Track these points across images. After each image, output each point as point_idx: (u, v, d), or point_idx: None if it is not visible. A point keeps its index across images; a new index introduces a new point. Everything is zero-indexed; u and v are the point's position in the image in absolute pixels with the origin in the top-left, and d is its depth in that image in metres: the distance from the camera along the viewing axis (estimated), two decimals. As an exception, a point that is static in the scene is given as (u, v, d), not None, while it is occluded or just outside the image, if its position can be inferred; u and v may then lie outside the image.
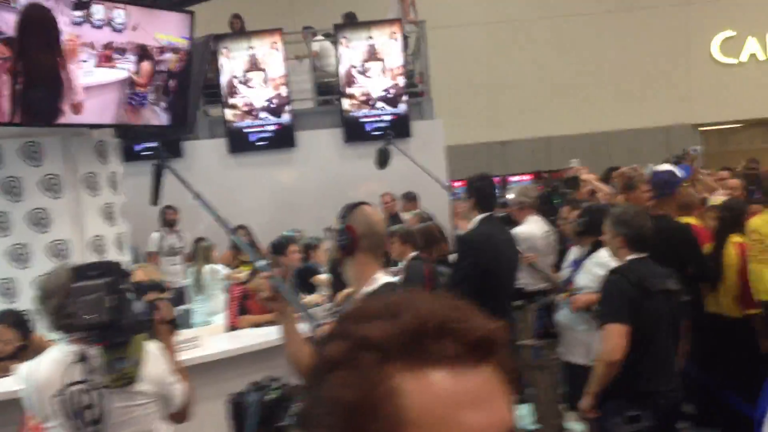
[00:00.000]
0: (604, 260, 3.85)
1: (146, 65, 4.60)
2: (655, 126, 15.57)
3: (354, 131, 9.50)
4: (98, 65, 4.36)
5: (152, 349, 2.51)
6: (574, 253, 4.25)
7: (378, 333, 0.66)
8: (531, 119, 15.54)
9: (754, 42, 15.57)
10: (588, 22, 15.30)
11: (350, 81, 9.48)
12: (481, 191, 3.87)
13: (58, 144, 4.92)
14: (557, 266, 4.72)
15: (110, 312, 2.28)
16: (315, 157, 9.65)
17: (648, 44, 15.40)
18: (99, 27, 4.19)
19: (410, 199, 8.39)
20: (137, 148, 9.09)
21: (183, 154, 9.68)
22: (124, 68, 4.58)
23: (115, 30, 4.28)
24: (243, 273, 6.08)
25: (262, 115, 9.51)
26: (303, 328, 2.67)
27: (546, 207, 4.81)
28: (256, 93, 9.44)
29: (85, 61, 4.37)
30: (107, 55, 4.32)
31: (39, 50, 4.35)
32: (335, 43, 10.03)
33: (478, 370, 0.66)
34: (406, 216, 6.93)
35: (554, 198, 4.84)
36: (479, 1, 15.09)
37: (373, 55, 9.44)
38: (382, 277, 2.26)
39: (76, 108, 4.48)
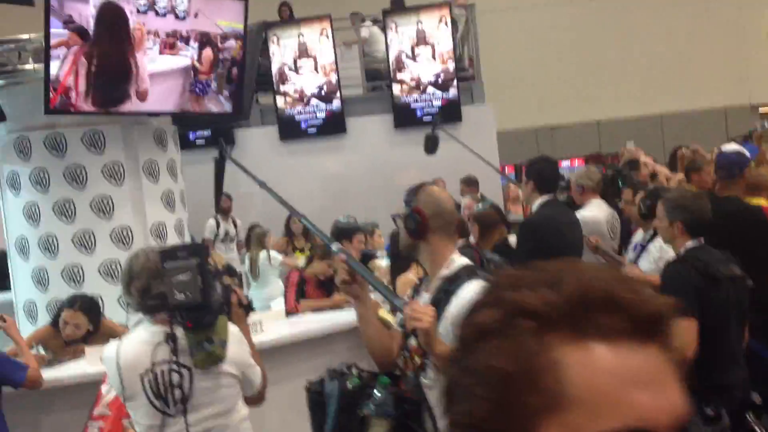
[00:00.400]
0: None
1: (208, 52, 4.63)
2: (711, 107, 15.18)
3: (404, 117, 9.46)
4: (162, 52, 4.41)
5: (234, 331, 2.52)
6: (638, 237, 4.16)
7: (537, 301, 0.62)
8: (580, 103, 15.30)
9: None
10: (640, 3, 14.95)
11: (400, 66, 9.43)
12: (542, 173, 3.78)
13: (119, 132, 5.00)
14: (621, 250, 4.62)
15: (201, 292, 2.30)
16: (365, 143, 9.64)
17: (702, 24, 14.99)
18: (163, 15, 4.23)
19: (470, 183, 8.26)
20: (192, 136, 9.24)
21: (235, 142, 9.77)
22: (187, 56, 4.63)
23: (178, 17, 4.32)
24: (299, 259, 6.11)
25: (313, 102, 9.52)
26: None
27: (610, 190, 4.69)
28: (307, 80, 9.46)
29: (150, 49, 4.43)
30: (171, 43, 4.37)
31: (111, 39, 4.42)
32: (384, 28, 9.99)
33: (646, 348, 0.61)
34: (465, 200, 6.86)
35: (620, 180, 4.72)
36: (527, -16, 14.83)
37: (422, 39, 9.36)
38: (459, 259, 2.20)
39: (142, 95, 4.54)
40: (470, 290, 2.00)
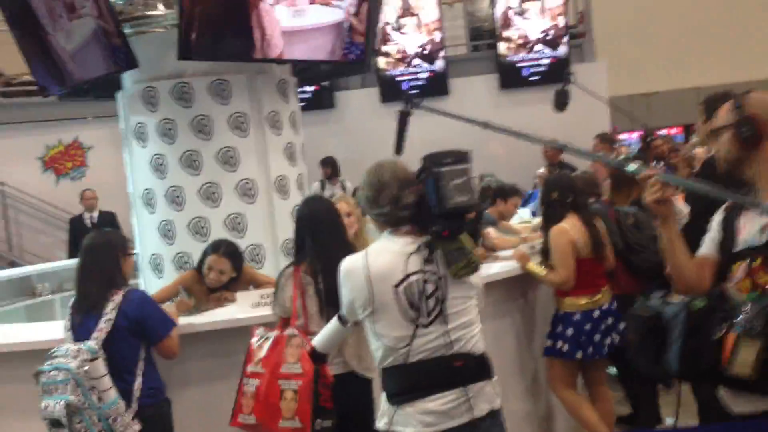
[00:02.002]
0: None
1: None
2: None
3: (510, 77, 9.12)
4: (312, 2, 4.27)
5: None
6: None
7: None
8: (679, 68, 14.53)
9: None
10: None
11: (507, 23, 9.06)
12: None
13: (245, 81, 4.87)
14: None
15: (476, 195, 2.30)
16: (469, 104, 9.32)
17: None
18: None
19: (605, 140, 7.83)
20: None
21: (336, 105, 9.63)
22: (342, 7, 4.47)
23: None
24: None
25: (415, 62, 9.27)
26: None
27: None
28: (410, 39, 9.20)
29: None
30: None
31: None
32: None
33: None
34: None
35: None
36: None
37: (531, -6, 8.97)
38: None
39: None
40: None
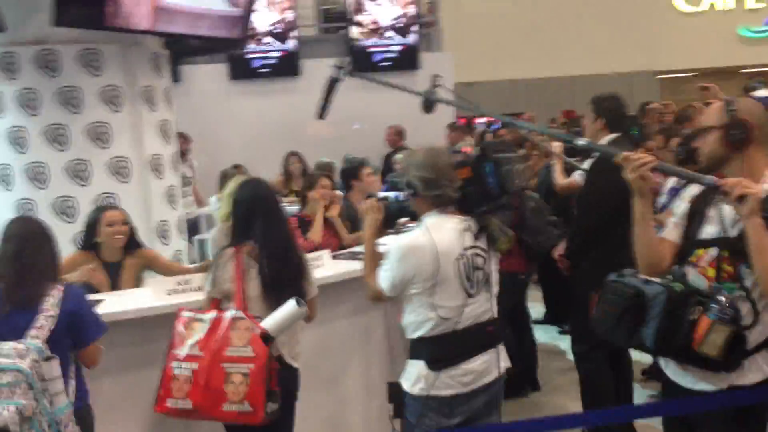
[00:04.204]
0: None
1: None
2: (618, 72, 15.75)
3: (361, 62, 9.21)
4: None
5: None
6: (671, 181, 4.23)
7: None
8: (497, 61, 15.40)
9: (715, -10, 15.88)
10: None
11: (359, 8, 9.16)
12: (613, 111, 3.77)
13: (118, 52, 4.56)
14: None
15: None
16: (319, 86, 9.31)
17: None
18: None
19: (455, 129, 8.03)
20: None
21: (181, 79, 9.22)
22: None
23: None
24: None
25: (266, 40, 9.10)
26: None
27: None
28: (261, 17, 9.01)
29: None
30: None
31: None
32: (339, -33, 9.67)
33: None
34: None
35: (632, 129, 4.77)
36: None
37: (383, -19, 9.13)
38: None
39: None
40: None
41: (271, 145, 8.93)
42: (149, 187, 4.73)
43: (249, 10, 4.92)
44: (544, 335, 5.84)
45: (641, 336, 2.04)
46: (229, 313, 2.75)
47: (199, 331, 2.74)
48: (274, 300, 2.76)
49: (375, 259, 2.74)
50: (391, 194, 3.17)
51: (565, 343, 5.67)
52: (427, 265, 2.50)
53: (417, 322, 2.57)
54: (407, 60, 9.20)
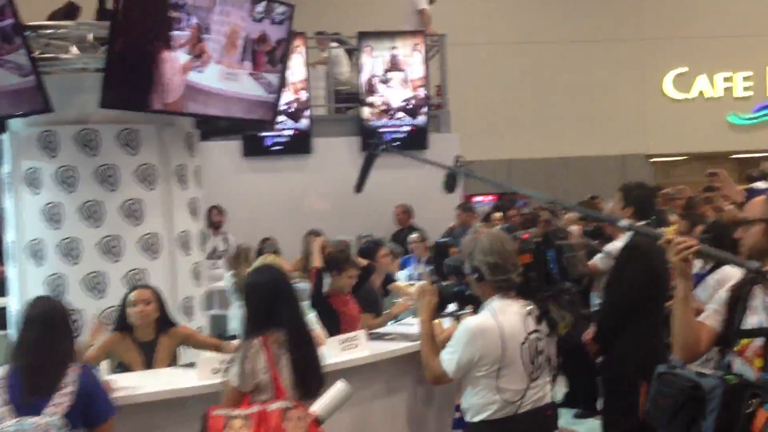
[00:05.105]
0: (727, 277, 3.95)
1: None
2: (611, 154, 16.12)
3: (371, 141, 9.42)
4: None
5: None
6: (695, 268, 4.34)
7: None
8: (494, 142, 15.69)
9: (704, 79, 16.40)
10: (552, 50, 15.65)
11: (371, 90, 9.44)
12: (642, 200, 3.91)
13: (154, 132, 4.71)
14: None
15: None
16: (331, 164, 9.53)
17: (606, 76, 15.95)
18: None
19: (466, 209, 8.19)
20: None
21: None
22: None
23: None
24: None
25: (280, 118, 9.32)
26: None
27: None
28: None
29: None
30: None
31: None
32: (350, 51, 9.99)
33: None
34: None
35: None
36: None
37: (395, 65, 9.44)
38: None
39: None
40: None
41: (282, 220, 9.07)
42: (177, 263, 4.80)
43: (280, 93, 5.10)
44: (560, 420, 5.82)
45: (699, 429, 2.09)
46: (276, 405, 2.72)
47: (241, 428, 2.68)
48: (304, 387, 2.78)
49: (433, 341, 2.81)
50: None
51: (582, 427, 5.66)
52: (494, 348, 2.57)
53: (480, 404, 2.62)
54: (416, 140, 9.43)
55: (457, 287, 2.90)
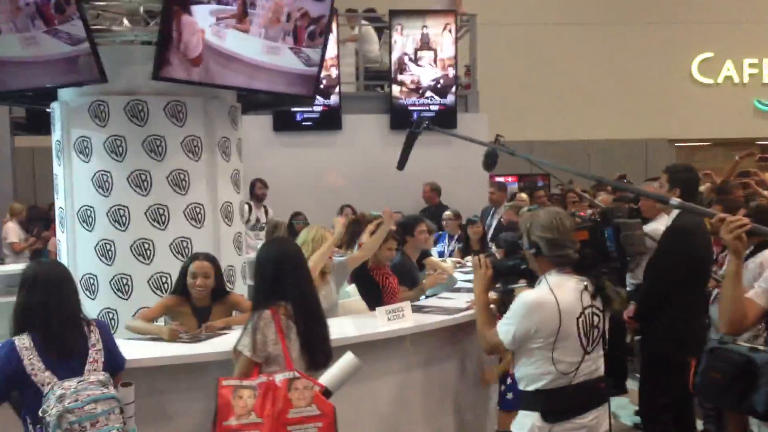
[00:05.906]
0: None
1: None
2: (634, 138, 16.09)
3: (400, 118, 9.51)
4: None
5: None
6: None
7: None
8: (517, 123, 15.71)
9: (731, 65, 16.28)
10: (580, 33, 15.58)
11: (402, 68, 9.50)
12: (687, 182, 3.95)
13: (200, 105, 4.82)
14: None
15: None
16: (360, 141, 9.63)
17: (633, 59, 15.87)
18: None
19: (501, 188, 8.25)
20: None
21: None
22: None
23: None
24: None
25: (311, 95, 9.43)
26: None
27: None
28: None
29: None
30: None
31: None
32: (380, 29, 10.04)
33: None
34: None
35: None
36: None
37: (426, 44, 9.48)
38: None
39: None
40: None
41: (310, 195, 9.20)
42: (220, 232, 4.93)
43: (321, 68, 5.19)
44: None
45: (752, 401, 2.19)
46: (282, 375, 2.80)
47: (249, 398, 2.76)
48: (311, 358, 2.89)
49: (489, 312, 2.91)
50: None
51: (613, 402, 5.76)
52: (550, 322, 2.64)
53: (535, 374, 2.70)
54: (445, 119, 9.49)
55: (512, 261, 2.98)
